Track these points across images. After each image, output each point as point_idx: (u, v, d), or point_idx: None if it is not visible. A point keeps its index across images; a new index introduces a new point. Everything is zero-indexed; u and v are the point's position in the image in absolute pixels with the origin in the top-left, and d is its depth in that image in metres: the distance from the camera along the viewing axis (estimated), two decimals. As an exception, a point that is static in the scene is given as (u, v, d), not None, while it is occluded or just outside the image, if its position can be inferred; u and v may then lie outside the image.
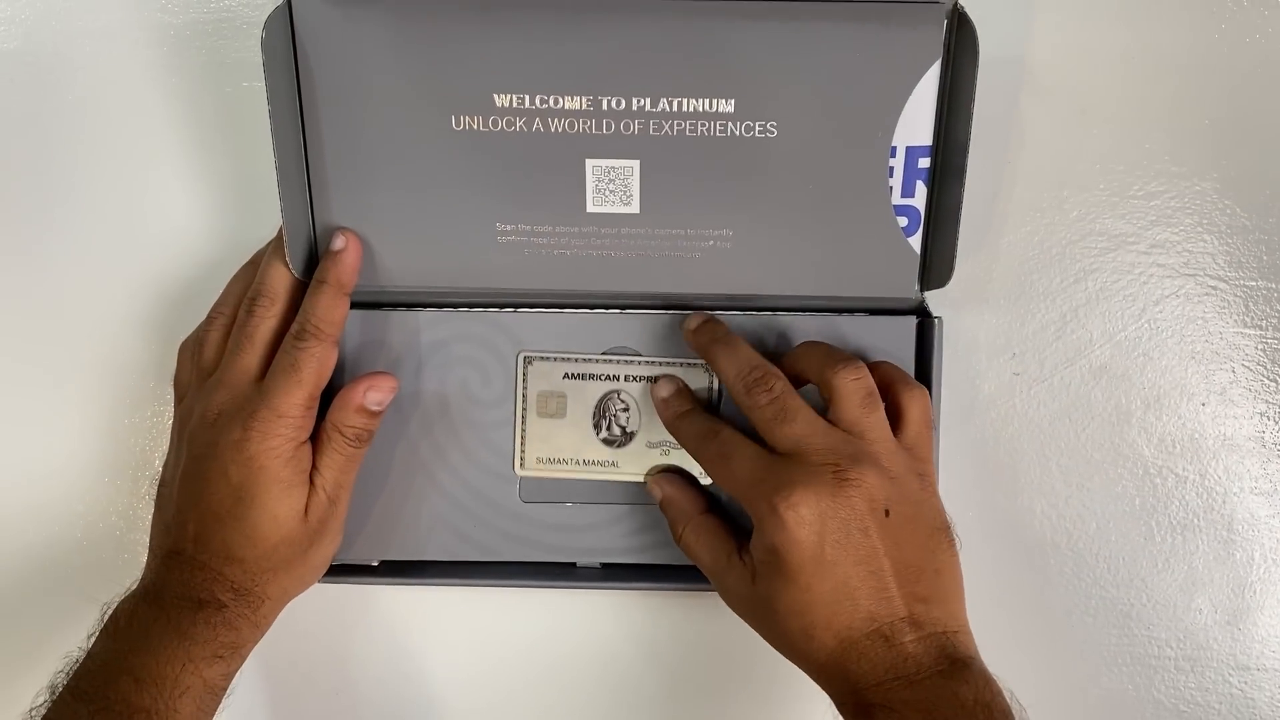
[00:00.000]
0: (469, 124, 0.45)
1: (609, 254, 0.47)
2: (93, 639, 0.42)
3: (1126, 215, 0.50)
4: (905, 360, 0.47)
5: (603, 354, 0.48)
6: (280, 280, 0.45)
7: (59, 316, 0.51)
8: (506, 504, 0.48)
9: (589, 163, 0.45)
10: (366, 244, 0.46)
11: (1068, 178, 0.50)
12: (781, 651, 0.42)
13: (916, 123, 0.45)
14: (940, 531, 0.41)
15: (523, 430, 0.48)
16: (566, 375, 0.48)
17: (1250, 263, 0.50)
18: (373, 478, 0.48)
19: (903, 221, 0.46)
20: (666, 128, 0.45)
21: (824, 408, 0.42)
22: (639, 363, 0.48)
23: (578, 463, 0.48)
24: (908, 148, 0.45)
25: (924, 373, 0.47)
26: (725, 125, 0.45)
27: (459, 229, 0.46)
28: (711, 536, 0.44)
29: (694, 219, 0.46)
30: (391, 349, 0.48)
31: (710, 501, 0.46)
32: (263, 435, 0.42)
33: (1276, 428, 0.51)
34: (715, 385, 0.48)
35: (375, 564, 0.49)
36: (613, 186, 0.46)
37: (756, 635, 0.42)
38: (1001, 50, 0.48)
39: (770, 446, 0.42)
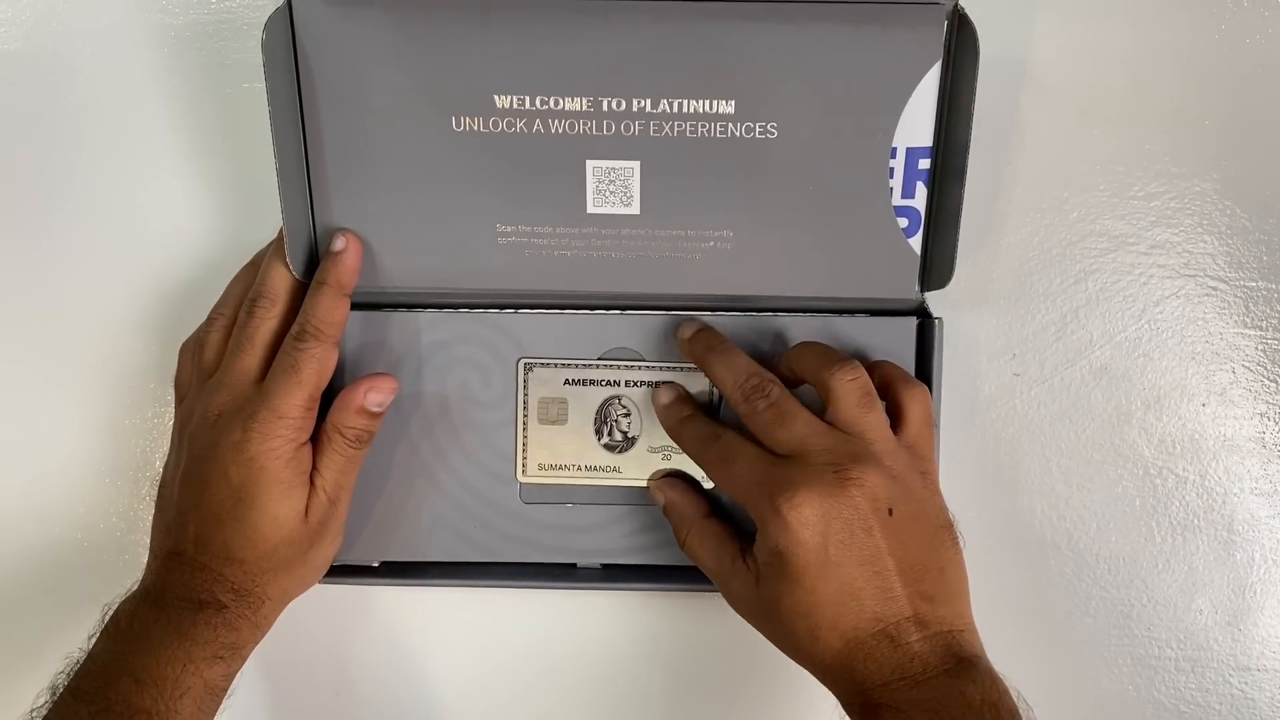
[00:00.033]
0: (469, 125, 0.45)
1: (609, 255, 0.47)
2: (93, 640, 0.42)
3: (1127, 216, 0.50)
4: (905, 361, 0.47)
5: (603, 357, 0.48)
6: (281, 281, 0.45)
7: (60, 317, 0.51)
8: (507, 505, 0.48)
9: (589, 164, 0.45)
10: (367, 245, 0.46)
11: (1068, 178, 0.50)
12: (787, 653, 0.42)
13: (917, 124, 0.45)
14: (944, 529, 0.41)
15: (524, 437, 0.48)
16: (567, 381, 0.48)
17: (1250, 263, 0.50)
18: (373, 478, 0.48)
19: (903, 222, 0.46)
20: (667, 129, 0.45)
21: (822, 409, 0.42)
22: (640, 368, 0.48)
23: (580, 469, 0.48)
24: (908, 149, 0.45)
25: (924, 373, 0.47)
26: (725, 126, 0.45)
27: (459, 230, 0.46)
28: (715, 540, 0.44)
29: (694, 220, 0.46)
30: (392, 350, 0.48)
31: (713, 505, 0.46)
32: (263, 436, 0.42)
33: (1277, 428, 0.51)
34: (714, 389, 0.48)
35: (376, 565, 0.49)
36: (613, 187, 0.46)
37: (757, 636, 0.42)
38: (1002, 51, 0.48)
39: (770, 450, 0.42)
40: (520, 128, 0.45)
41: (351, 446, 0.44)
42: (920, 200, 0.46)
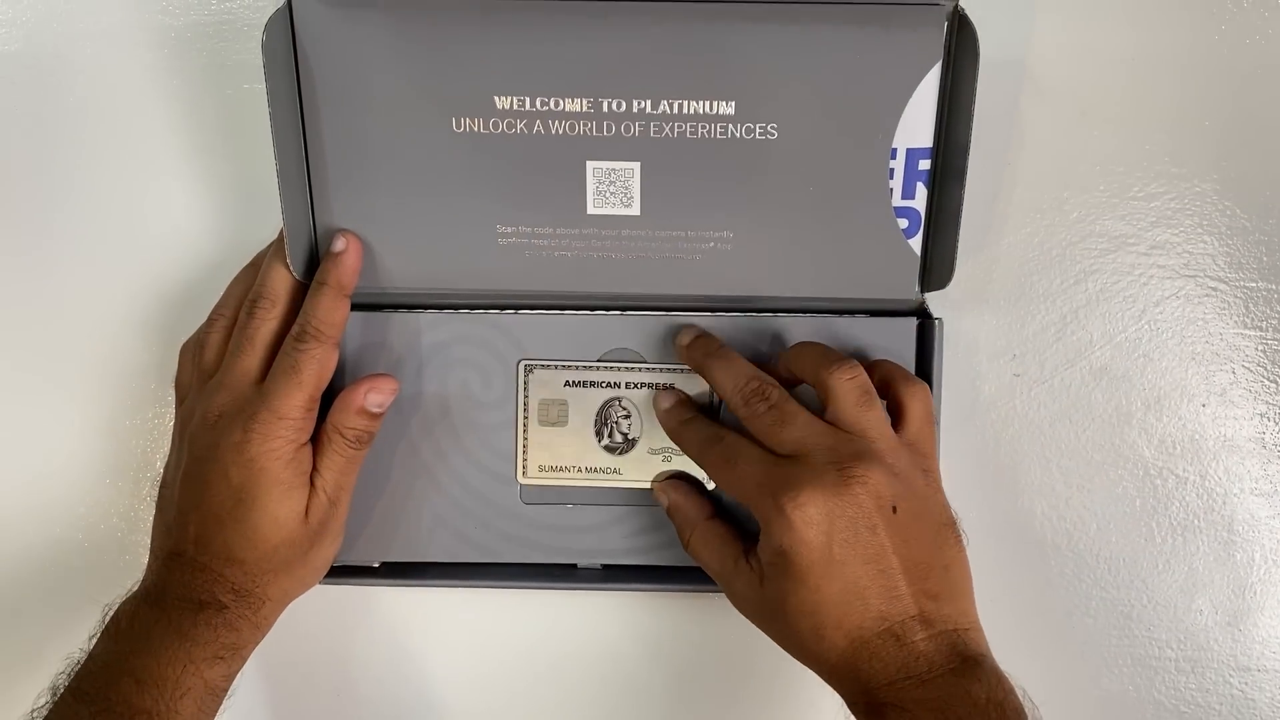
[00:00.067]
0: (470, 126, 0.45)
1: (609, 256, 0.47)
2: (94, 640, 0.42)
3: (1127, 217, 0.50)
4: (906, 361, 0.47)
5: (603, 358, 0.48)
6: (281, 282, 0.45)
7: (60, 318, 0.51)
8: (507, 505, 0.48)
9: (590, 165, 0.45)
10: (367, 246, 0.46)
11: (1068, 179, 0.50)
12: (791, 653, 0.42)
13: (917, 124, 0.45)
14: (947, 527, 0.41)
15: (524, 438, 0.48)
16: (568, 383, 0.48)
17: (1250, 264, 0.50)
18: (374, 479, 0.48)
19: (903, 223, 0.46)
20: (667, 130, 0.45)
21: (821, 409, 0.42)
22: (640, 369, 0.48)
23: (580, 470, 0.48)
24: (908, 149, 0.45)
25: (924, 374, 0.47)
26: (726, 127, 0.45)
27: (460, 231, 0.46)
28: (718, 541, 0.44)
29: (694, 221, 0.46)
30: (392, 351, 0.48)
31: (716, 507, 0.46)
32: (263, 437, 0.42)
33: (1277, 429, 0.51)
34: (714, 392, 0.48)
35: (376, 565, 0.49)
36: (613, 188, 0.46)
37: (757, 636, 0.42)
38: (1002, 52, 0.48)
39: (772, 451, 0.42)
40: (520, 129, 0.45)
41: (352, 447, 0.44)
42: (920, 201, 0.46)
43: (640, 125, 0.45)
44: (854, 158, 0.45)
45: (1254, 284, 0.50)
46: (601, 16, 0.43)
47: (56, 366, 0.52)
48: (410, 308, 0.48)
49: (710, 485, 0.48)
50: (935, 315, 0.47)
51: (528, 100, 0.45)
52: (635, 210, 0.46)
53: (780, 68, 0.44)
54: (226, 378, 0.44)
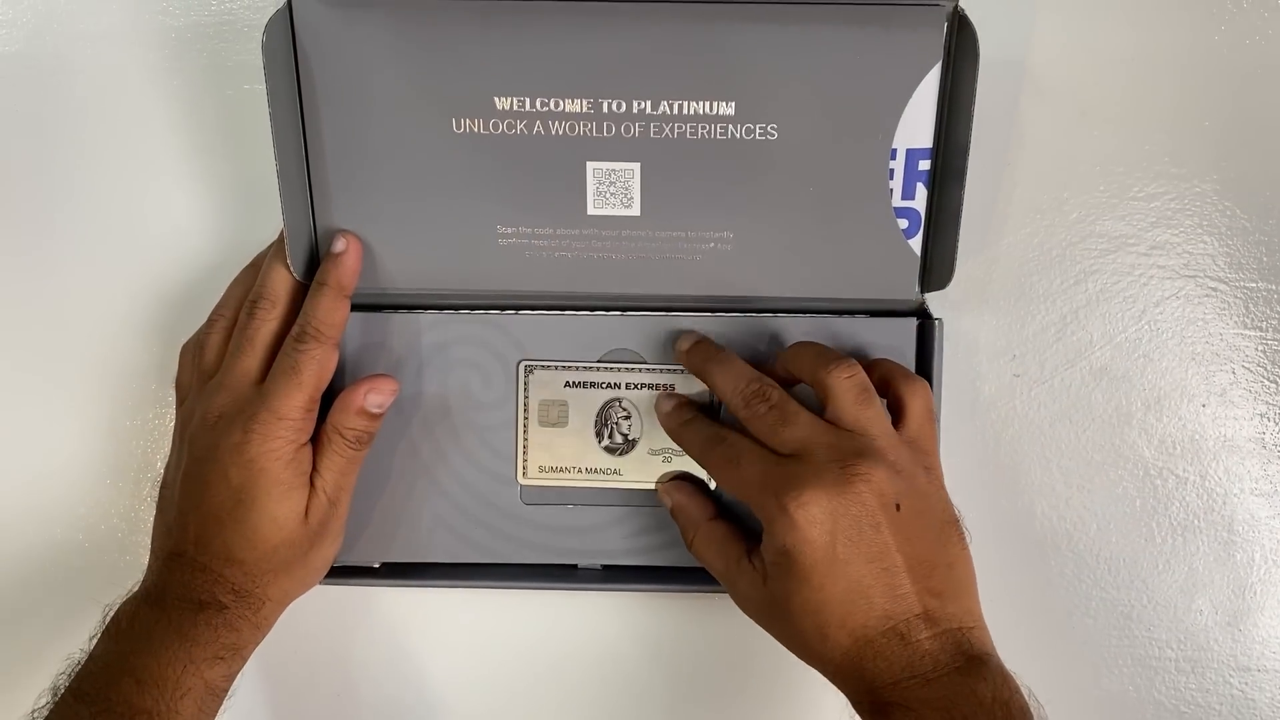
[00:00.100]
0: (469, 127, 0.45)
1: (609, 256, 0.47)
2: (94, 640, 0.42)
3: (1126, 217, 0.50)
4: (906, 362, 0.47)
5: (603, 359, 0.48)
6: (281, 283, 0.45)
7: (61, 319, 0.52)
8: (508, 506, 0.48)
9: (589, 165, 0.45)
10: (367, 246, 0.46)
11: (1068, 179, 0.50)
12: (795, 652, 0.42)
13: (917, 125, 0.45)
14: (950, 525, 0.41)
15: (524, 439, 0.48)
16: (568, 384, 0.48)
17: (1250, 264, 0.50)
18: (374, 480, 0.48)
19: (903, 223, 0.46)
20: (667, 130, 0.45)
21: (821, 408, 0.42)
22: (640, 370, 0.48)
23: (580, 471, 0.48)
24: (908, 150, 0.45)
25: (924, 374, 0.47)
26: (726, 128, 0.45)
27: (460, 231, 0.46)
28: (721, 541, 0.44)
29: (694, 221, 0.46)
30: (392, 351, 0.48)
31: (718, 507, 0.46)
32: (263, 438, 0.42)
33: (1277, 429, 0.51)
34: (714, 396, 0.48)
35: (376, 566, 0.49)
36: (613, 189, 0.46)
37: (758, 637, 0.42)
38: (1002, 52, 0.48)
39: (774, 451, 0.41)
40: (520, 129, 0.45)
41: (351, 448, 0.44)
42: (920, 201, 0.46)
43: (640, 126, 0.45)
44: (854, 158, 0.45)
45: (1254, 284, 0.50)
46: (601, 17, 0.43)
47: (57, 367, 0.52)
48: (410, 308, 0.48)
49: (713, 485, 0.48)
50: (935, 315, 0.47)
51: (528, 101, 0.45)
52: (635, 211, 0.46)
53: (780, 68, 0.44)
54: (226, 378, 0.44)
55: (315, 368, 0.43)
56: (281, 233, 0.45)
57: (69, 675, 0.41)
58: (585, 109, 0.45)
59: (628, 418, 0.48)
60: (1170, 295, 0.50)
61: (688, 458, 0.48)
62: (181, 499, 0.43)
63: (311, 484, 0.44)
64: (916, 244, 0.47)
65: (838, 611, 0.39)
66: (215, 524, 0.42)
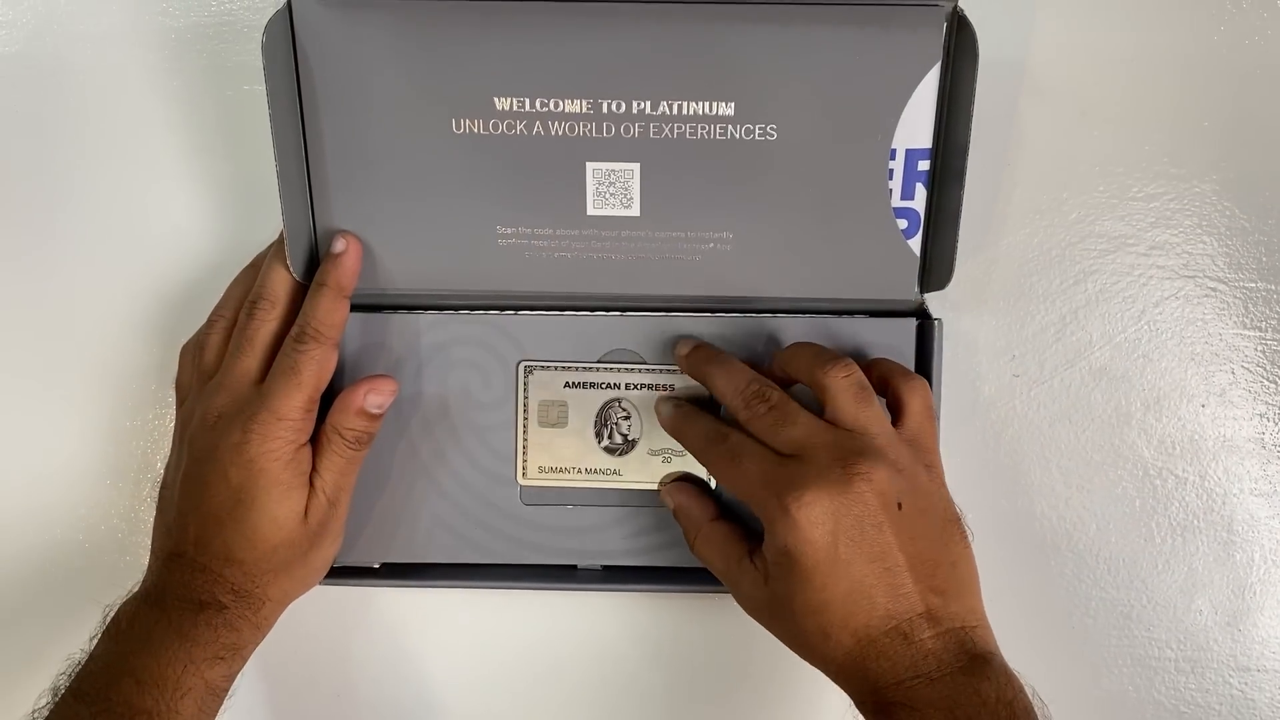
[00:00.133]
0: (469, 127, 0.45)
1: (609, 257, 0.47)
2: (95, 641, 0.42)
3: (1126, 217, 0.50)
4: (905, 362, 0.47)
5: (603, 359, 0.48)
6: (281, 283, 0.45)
7: (61, 320, 0.52)
8: (507, 506, 0.48)
9: (589, 166, 0.45)
10: (367, 247, 0.46)
11: (1067, 180, 0.50)
12: (798, 652, 0.41)
13: (916, 125, 0.45)
14: (952, 523, 0.41)
15: (524, 439, 0.48)
16: (567, 384, 0.48)
17: (1249, 264, 0.50)
18: (373, 480, 0.48)
19: (902, 224, 0.46)
20: (667, 131, 0.45)
21: (819, 409, 0.42)
22: (640, 370, 0.48)
23: (580, 471, 0.48)
24: (907, 150, 0.45)
25: (924, 374, 0.47)
26: (725, 128, 0.45)
27: (459, 232, 0.46)
28: (723, 541, 0.44)
29: (694, 221, 0.46)
30: (392, 351, 0.48)
31: (721, 508, 0.46)
32: (262, 438, 0.42)
33: (1276, 429, 0.51)
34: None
35: (376, 566, 0.49)
36: (613, 189, 0.46)
37: (757, 637, 0.42)
38: (1001, 52, 0.48)
39: (775, 451, 0.41)
40: (520, 130, 0.45)
41: (351, 448, 0.44)
42: (920, 201, 0.46)
43: (640, 126, 0.45)
44: (853, 158, 0.45)
45: (1253, 284, 0.50)
46: (601, 17, 0.44)
47: (57, 368, 0.52)
48: (410, 309, 0.48)
49: (714, 485, 0.48)
50: (935, 316, 0.47)
51: (527, 101, 0.45)
52: (635, 211, 0.46)
53: (780, 68, 0.44)
54: (226, 379, 0.44)
55: (315, 368, 0.43)
56: (281, 233, 0.45)
57: (69, 675, 0.42)
58: (585, 109, 0.45)
59: (627, 418, 0.48)
60: (1170, 295, 0.50)
61: (688, 458, 0.48)
62: (181, 499, 0.43)
63: (311, 484, 0.44)
64: (916, 244, 0.47)
65: (840, 611, 0.39)
66: (215, 524, 0.42)
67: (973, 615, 0.40)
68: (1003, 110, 0.49)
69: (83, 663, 0.42)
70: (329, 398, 0.45)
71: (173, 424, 0.47)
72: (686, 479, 0.48)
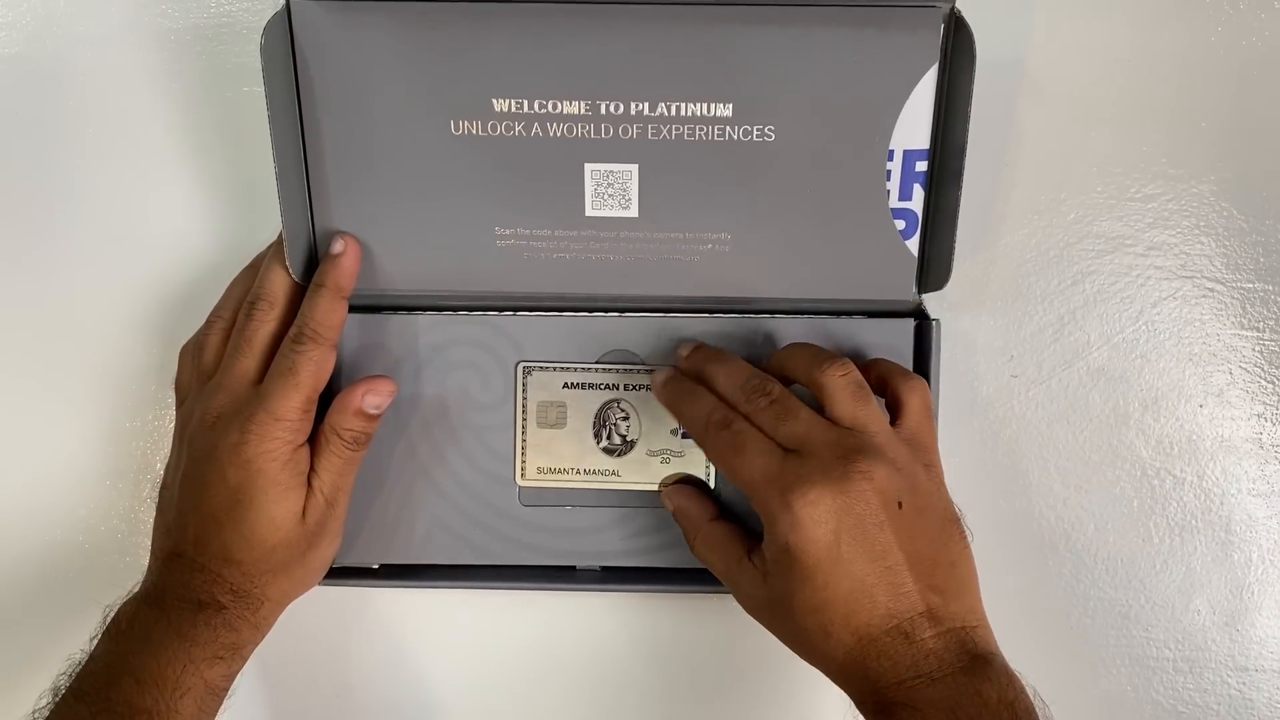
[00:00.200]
0: (468, 129, 0.45)
1: (608, 257, 0.47)
2: (95, 641, 0.42)
3: (1124, 218, 0.50)
4: (903, 362, 0.47)
5: (601, 360, 0.48)
6: (279, 284, 0.45)
7: (60, 321, 0.52)
8: (506, 507, 0.48)
9: (588, 167, 0.46)
10: (366, 248, 0.46)
11: (1065, 180, 0.50)
12: (797, 651, 0.41)
13: (914, 126, 0.45)
14: (952, 523, 0.41)
15: (523, 440, 0.48)
16: (566, 385, 0.48)
17: (1247, 265, 0.50)
18: (372, 481, 0.48)
19: (900, 224, 0.46)
20: (665, 132, 0.45)
21: (818, 408, 0.42)
22: (639, 371, 0.48)
23: (579, 472, 0.48)
24: (905, 151, 0.45)
25: (922, 375, 0.46)
26: (723, 129, 0.45)
27: (458, 233, 0.46)
28: (722, 542, 0.44)
29: (693, 222, 0.46)
30: (390, 352, 0.48)
31: (720, 508, 0.46)
32: (260, 438, 0.42)
33: (1274, 429, 0.51)
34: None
35: (375, 567, 0.49)
36: (611, 190, 0.46)
37: (758, 636, 0.42)
38: (999, 53, 0.48)
39: (777, 445, 0.41)
40: (519, 131, 0.45)
41: (349, 448, 0.44)
42: (917, 202, 0.46)
43: (638, 127, 0.45)
44: (851, 159, 0.45)
45: (1251, 285, 0.50)
46: (599, 19, 0.44)
47: (57, 369, 0.52)
48: (409, 309, 0.48)
49: (713, 484, 0.48)
50: (933, 316, 0.47)
51: (526, 103, 0.45)
52: (633, 212, 0.46)
53: (778, 70, 0.44)
54: (224, 379, 0.44)
55: (312, 369, 0.43)
56: (280, 234, 0.45)
57: (69, 675, 0.42)
58: (583, 111, 0.45)
59: (626, 419, 0.48)
60: (1167, 296, 0.51)
61: (687, 458, 0.48)
62: (180, 499, 0.44)
63: (309, 484, 0.44)
64: (914, 245, 0.47)
65: (841, 610, 0.39)
66: (213, 524, 0.42)
67: (973, 615, 0.40)
68: (1001, 111, 0.49)
69: (83, 663, 0.42)
70: (327, 398, 0.45)
71: (172, 424, 0.47)
72: (685, 480, 0.48)
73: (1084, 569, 0.52)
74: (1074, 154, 0.50)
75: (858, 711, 0.40)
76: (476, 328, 0.48)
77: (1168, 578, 0.52)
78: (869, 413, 0.41)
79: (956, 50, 0.44)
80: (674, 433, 0.48)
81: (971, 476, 0.51)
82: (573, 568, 0.49)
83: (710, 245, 0.47)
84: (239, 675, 0.44)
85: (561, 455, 0.48)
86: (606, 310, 0.48)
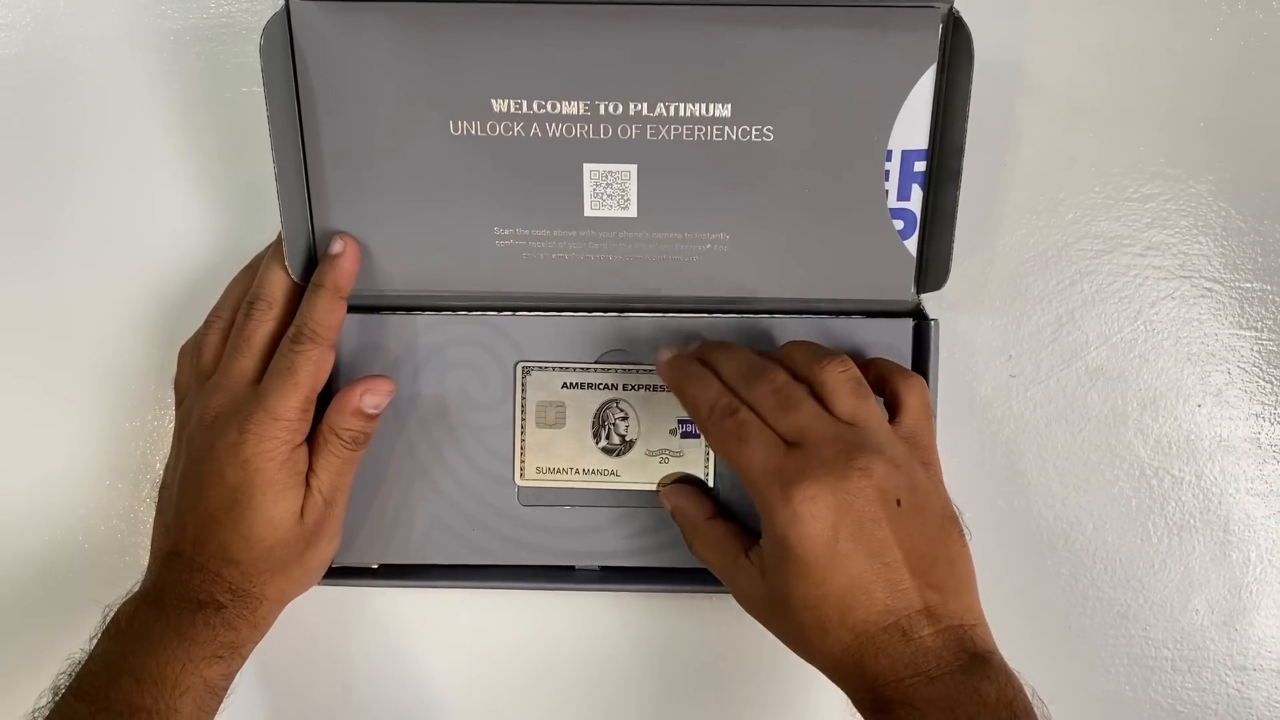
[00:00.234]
0: (467, 129, 0.45)
1: (607, 257, 0.47)
2: (95, 640, 0.42)
3: (1122, 218, 0.50)
4: (902, 362, 0.47)
5: (600, 359, 0.48)
6: (278, 284, 0.45)
7: (60, 321, 0.52)
8: (505, 507, 0.48)
9: (586, 167, 0.46)
10: (365, 248, 0.46)
11: (1063, 180, 0.50)
12: (795, 650, 0.41)
13: (912, 126, 0.45)
14: (950, 521, 0.41)
15: (522, 440, 0.48)
16: (565, 385, 0.48)
17: (1245, 265, 0.50)
18: (371, 481, 0.48)
19: (898, 224, 0.46)
20: (664, 132, 0.45)
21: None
22: (637, 371, 0.48)
23: (578, 472, 0.48)
24: (903, 151, 0.45)
25: (920, 375, 0.47)
26: (722, 129, 0.45)
27: (457, 233, 0.46)
28: (720, 539, 0.44)
29: (691, 222, 0.46)
30: (389, 352, 0.48)
31: (718, 508, 0.46)
32: (258, 438, 0.42)
33: (1272, 429, 0.51)
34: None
35: (374, 567, 0.49)
36: (610, 191, 0.46)
37: (755, 637, 0.42)
38: (997, 53, 0.48)
39: (779, 437, 0.41)
40: (517, 131, 0.45)
41: (347, 448, 0.45)
42: (916, 202, 0.46)
43: (637, 128, 0.45)
44: (850, 159, 0.45)
45: (1249, 284, 0.50)
46: (598, 19, 0.44)
47: (57, 369, 0.52)
48: (408, 309, 0.48)
49: (711, 483, 0.48)
50: (931, 316, 0.47)
51: (524, 103, 0.45)
52: (632, 212, 0.46)
53: (776, 70, 0.44)
54: (223, 379, 0.44)
55: (311, 368, 0.43)
56: (279, 234, 0.45)
57: (69, 675, 0.42)
58: (582, 111, 0.45)
59: (625, 418, 0.48)
60: (1166, 296, 0.51)
61: (686, 458, 0.48)
62: (179, 499, 0.44)
63: (307, 484, 0.44)
64: (912, 245, 0.47)
65: (838, 606, 0.39)
66: (212, 524, 0.42)
67: (971, 613, 0.40)
68: (999, 111, 0.49)
69: (83, 662, 0.42)
70: (326, 398, 0.45)
71: (172, 424, 0.47)
72: (684, 480, 0.48)
73: (1082, 568, 0.52)
74: (1072, 154, 0.50)
75: (856, 711, 0.40)
76: (475, 328, 0.48)
77: (1166, 577, 0.52)
78: (868, 409, 0.41)
79: (955, 50, 0.44)
80: (672, 433, 0.48)
81: (970, 476, 0.51)
82: (572, 567, 0.49)
83: (709, 245, 0.47)
84: (238, 674, 0.44)
85: (560, 455, 0.48)
86: (605, 310, 0.48)
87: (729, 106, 0.45)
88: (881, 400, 0.44)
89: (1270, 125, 0.50)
